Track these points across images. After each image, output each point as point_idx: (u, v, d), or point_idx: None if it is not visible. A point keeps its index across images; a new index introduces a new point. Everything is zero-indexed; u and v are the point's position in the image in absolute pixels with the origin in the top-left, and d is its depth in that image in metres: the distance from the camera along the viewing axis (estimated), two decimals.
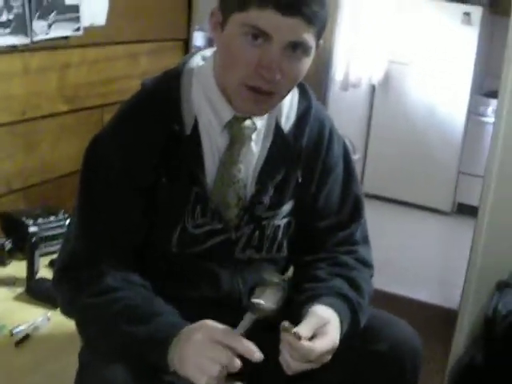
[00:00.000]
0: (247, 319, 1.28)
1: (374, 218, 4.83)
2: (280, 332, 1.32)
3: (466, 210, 4.83)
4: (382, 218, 4.96)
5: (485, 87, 5.02)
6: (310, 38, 1.33)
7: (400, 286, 3.78)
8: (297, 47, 1.33)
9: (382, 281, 3.99)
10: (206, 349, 1.25)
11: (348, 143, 5.31)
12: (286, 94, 1.44)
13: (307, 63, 1.38)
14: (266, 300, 1.29)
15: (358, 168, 5.07)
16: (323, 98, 3.73)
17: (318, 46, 1.38)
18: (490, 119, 4.57)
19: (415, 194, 5.11)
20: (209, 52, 1.52)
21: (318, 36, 1.36)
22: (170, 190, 1.43)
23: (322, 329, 1.35)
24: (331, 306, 1.42)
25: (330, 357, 1.36)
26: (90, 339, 1.44)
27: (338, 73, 4.47)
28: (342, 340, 1.38)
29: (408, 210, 5.09)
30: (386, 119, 5.16)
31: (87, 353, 1.45)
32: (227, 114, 1.45)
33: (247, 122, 1.46)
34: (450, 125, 4.91)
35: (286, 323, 1.30)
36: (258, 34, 1.31)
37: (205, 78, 1.46)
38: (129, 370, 1.29)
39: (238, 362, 1.24)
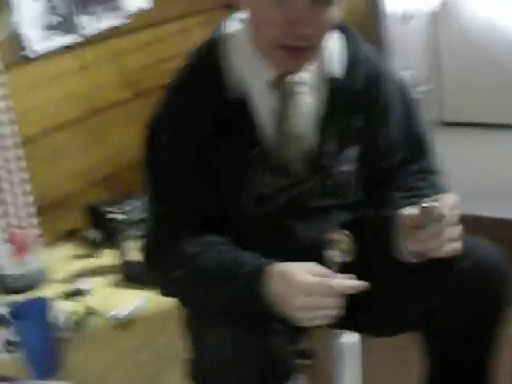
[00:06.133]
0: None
1: (463, 145, 4.74)
2: None
3: None
4: (470, 144, 4.83)
5: None
6: None
7: (497, 208, 3.69)
8: None
9: (480, 206, 3.90)
10: (314, 302, 1.25)
11: (410, 76, 5.14)
12: (321, 45, 1.43)
13: (335, 11, 1.37)
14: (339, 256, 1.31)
15: (433, 98, 4.94)
16: (381, 36, 3.65)
17: None
18: None
19: (501, 114, 4.96)
20: (246, 14, 1.53)
21: None
22: (230, 156, 1.45)
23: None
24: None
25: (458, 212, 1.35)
26: (193, 309, 1.46)
27: (391, 6, 4.35)
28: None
29: (496, 132, 4.94)
30: (454, 44, 4.99)
31: (194, 321, 1.46)
32: (271, 72, 1.45)
33: (294, 77, 1.46)
34: None
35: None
36: None
37: (243, 41, 1.46)
38: (238, 327, 1.30)
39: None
